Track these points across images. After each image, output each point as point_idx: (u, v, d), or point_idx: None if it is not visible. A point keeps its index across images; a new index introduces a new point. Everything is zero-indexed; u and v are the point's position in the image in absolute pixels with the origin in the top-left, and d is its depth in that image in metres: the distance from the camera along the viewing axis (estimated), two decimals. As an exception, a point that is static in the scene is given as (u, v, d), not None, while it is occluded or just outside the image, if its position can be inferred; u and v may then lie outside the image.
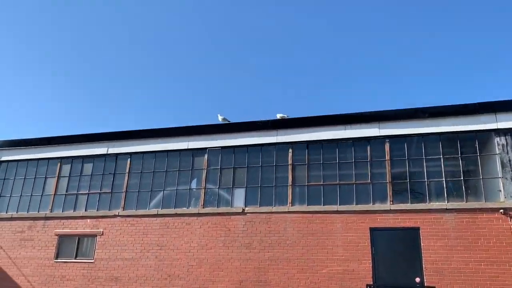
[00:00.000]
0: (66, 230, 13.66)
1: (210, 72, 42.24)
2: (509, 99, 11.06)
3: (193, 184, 13.23)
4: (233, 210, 12.37)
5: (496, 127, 11.09)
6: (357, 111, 12.25)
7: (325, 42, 39.97)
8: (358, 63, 39.72)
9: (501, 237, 10.20)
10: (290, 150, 12.66)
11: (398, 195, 11.34)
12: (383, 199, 11.40)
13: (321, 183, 12.08)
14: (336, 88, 39.55)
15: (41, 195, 14.54)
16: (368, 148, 12.02)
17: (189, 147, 13.43)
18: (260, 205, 12.27)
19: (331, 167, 12.20)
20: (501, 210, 10.33)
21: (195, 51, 42.46)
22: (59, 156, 14.78)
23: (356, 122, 12.20)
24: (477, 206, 10.57)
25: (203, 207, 12.70)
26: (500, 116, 11.13)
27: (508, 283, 9.86)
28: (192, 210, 12.74)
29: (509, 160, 10.77)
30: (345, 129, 12.28)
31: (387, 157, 11.74)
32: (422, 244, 10.61)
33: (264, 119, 13.06)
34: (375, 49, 38.63)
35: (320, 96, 39.31)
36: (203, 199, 12.82)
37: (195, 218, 12.59)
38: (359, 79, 39.43)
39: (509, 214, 10.29)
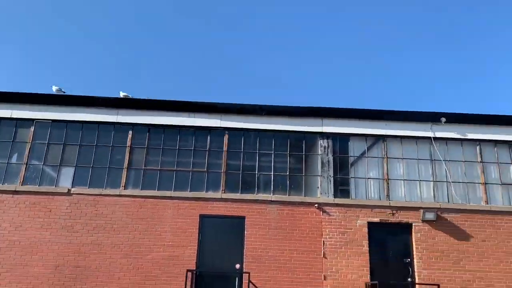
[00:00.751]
0: None
1: (53, 37, 38.35)
2: (334, 106, 12.41)
3: (14, 158, 11.79)
4: (58, 190, 11.37)
5: (321, 131, 12.31)
6: (202, 101, 12.40)
7: (185, 28, 39.88)
8: (215, 54, 40.56)
9: (313, 229, 11.33)
10: (130, 132, 12.19)
11: (231, 185, 11.78)
12: (216, 188, 11.71)
13: (158, 168, 11.89)
14: (189, 77, 39.68)
15: None
16: (209, 138, 12.24)
17: (12, 116, 11.93)
18: (90, 187, 11.52)
19: (171, 153, 12.11)
20: (316, 205, 11.49)
21: (30, 11, 38.26)
22: None
23: (200, 111, 12.32)
24: (297, 200, 11.58)
25: (21, 185, 11.40)
26: (326, 121, 12.38)
27: (315, 270, 10.97)
28: (8, 187, 11.33)
29: (328, 161, 12.06)
30: (188, 117, 12.30)
31: (225, 148, 12.12)
32: (246, 233, 11.20)
33: (105, 96, 12.33)
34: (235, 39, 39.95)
35: (171, 82, 38.94)
36: (23, 176, 11.50)
37: (11, 196, 11.22)
38: (211, 70, 40.25)
39: (322, 209, 11.50)
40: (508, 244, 11.23)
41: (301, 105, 12.40)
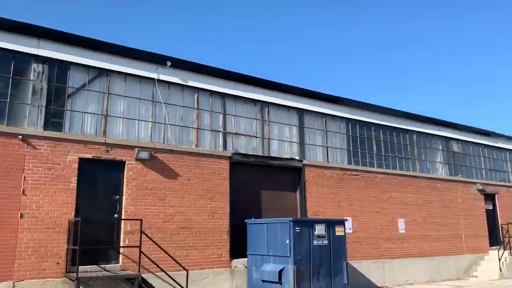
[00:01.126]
0: None
1: None
2: (53, 28, 11.02)
3: None
4: None
5: (37, 53, 10.77)
6: None
7: None
8: None
9: (14, 163, 9.98)
10: None
11: None
12: None
13: None
14: None
15: None
16: None
17: None
18: None
19: None
20: (20, 136, 10.14)
21: None
22: None
23: None
24: (-4, 130, 9.95)
25: None
26: (44, 43, 10.86)
27: (10, 208, 9.80)
28: None
29: (41, 89, 10.73)
30: None
31: None
32: None
33: None
34: None
35: None
36: None
37: None
38: None
39: (28, 141, 10.24)
40: (208, 182, 12.74)
41: (13, 19, 10.47)
